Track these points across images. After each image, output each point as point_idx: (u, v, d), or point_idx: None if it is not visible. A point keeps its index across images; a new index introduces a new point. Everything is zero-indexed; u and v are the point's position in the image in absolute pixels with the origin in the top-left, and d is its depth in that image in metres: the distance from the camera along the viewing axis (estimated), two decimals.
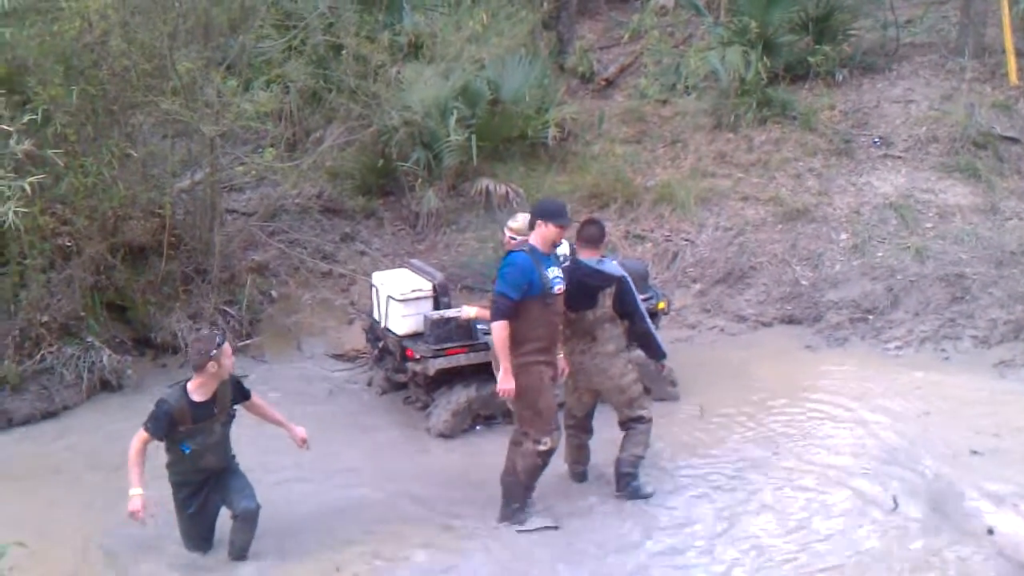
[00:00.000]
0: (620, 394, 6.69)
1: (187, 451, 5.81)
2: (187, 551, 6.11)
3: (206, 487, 6.01)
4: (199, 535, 6.09)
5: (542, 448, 6.35)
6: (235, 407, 6.05)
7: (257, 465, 6.72)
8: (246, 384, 6.30)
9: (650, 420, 6.86)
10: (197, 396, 5.79)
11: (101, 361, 8.62)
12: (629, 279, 6.61)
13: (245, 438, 6.51)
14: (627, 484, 6.83)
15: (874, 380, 8.89)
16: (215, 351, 5.72)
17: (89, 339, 8.76)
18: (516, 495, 6.50)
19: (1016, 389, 8.56)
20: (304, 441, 6.23)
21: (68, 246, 9.10)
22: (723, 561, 6.11)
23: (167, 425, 5.74)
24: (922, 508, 6.58)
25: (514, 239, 7.27)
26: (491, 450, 7.14)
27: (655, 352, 6.79)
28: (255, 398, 6.23)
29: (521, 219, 7.34)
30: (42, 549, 6.02)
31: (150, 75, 9.21)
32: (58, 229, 9.06)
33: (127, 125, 9.44)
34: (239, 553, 5.98)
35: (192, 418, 5.76)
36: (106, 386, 8.74)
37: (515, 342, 6.21)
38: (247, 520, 5.93)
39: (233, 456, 6.16)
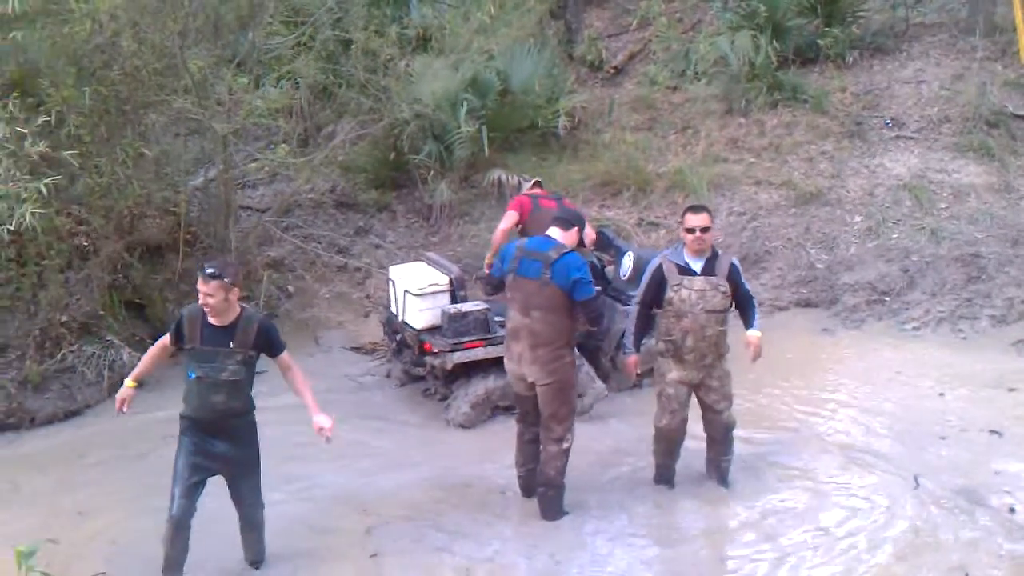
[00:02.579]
0: None
1: (192, 376, 5.51)
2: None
3: (210, 442, 5.58)
4: (181, 491, 5.56)
5: (566, 446, 6.37)
6: (255, 353, 5.60)
7: (285, 456, 6.90)
8: (280, 349, 5.73)
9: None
10: (212, 318, 5.50)
11: (121, 359, 8.64)
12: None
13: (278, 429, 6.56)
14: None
15: (892, 361, 8.91)
16: (199, 273, 5.46)
17: (108, 338, 8.80)
18: (558, 501, 6.50)
19: None
20: (321, 430, 5.65)
21: (85, 246, 9.15)
22: (755, 547, 6.12)
23: (176, 329, 5.56)
24: (943, 488, 6.59)
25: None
26: (511, 437, 7.14)
27: None
28: (287, 359, 5.75)
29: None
30: (71, 542, 6.17)
31: (161, 74, 9.23)
32: (75, 229, 9.12)
33: (140, 124, 9.48)
34: (255, 557, 5.88)
35: (202, 338, 5.49)
36: None
37: (569, 340, 6.30)
38: (252, 528, 5.80)
39: (251, 425, 5.72)
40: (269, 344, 5.65)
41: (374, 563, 6.02)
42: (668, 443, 6.70)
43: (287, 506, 6.49)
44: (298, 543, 6.18)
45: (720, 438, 6.74)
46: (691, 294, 6.33)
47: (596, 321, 6.26)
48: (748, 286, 6.64)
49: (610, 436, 7.70)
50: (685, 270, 6.39)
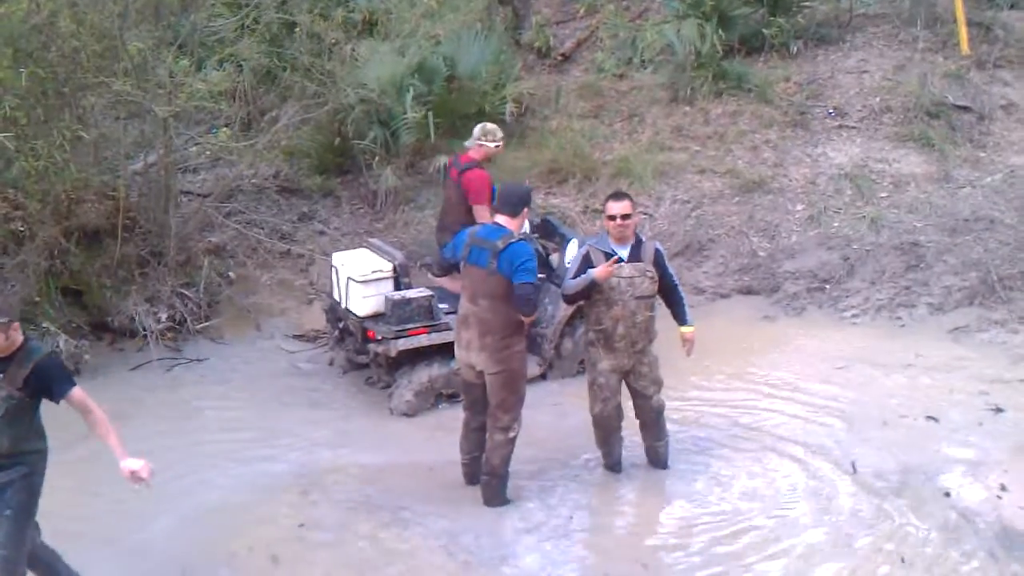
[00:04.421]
0: None
1: None
2: None
3: None
4: None
5: (512, 435, 6.40)
6: (20, 395, 4.91)
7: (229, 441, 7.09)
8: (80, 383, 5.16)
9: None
10: None
11: (57, 346, 8.47)
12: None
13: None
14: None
15: (832, 348, 9.01)
16: None
17: (45, 324, 8.62)
18: (501, 490, 6.53)
19: (970, 355, 8.69)
20: (133, 475, 4.99)
21: (21, 231, 8.96)
22: (689, 535, 6.17)
23: None
24: (880, 473, 6.70)
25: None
26: (454, 426, 7.15)
27: None
28: (82, 400, 5.05)
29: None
30: None
31: (100, 56, 9.05)
32: (10, 214, 8.93)
33: (78, 107, 9.28)
34: None
35: None
36: None
37: (518, 329, 6.28)
38: None
39: (21, 478, 5.04)
40: (45, 387, 4.98)
41: (299, 531, 6.17)
42: (604, 430, 6.77)
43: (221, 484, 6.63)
44: (226, 517, 6.35)
45: (651, 422, 6.82)
46: (620, 281, 6.37)
47: (524, 307, 6.17)
48: (673, 272, 6.71)
49: (557, 423, 7.71)
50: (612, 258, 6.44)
